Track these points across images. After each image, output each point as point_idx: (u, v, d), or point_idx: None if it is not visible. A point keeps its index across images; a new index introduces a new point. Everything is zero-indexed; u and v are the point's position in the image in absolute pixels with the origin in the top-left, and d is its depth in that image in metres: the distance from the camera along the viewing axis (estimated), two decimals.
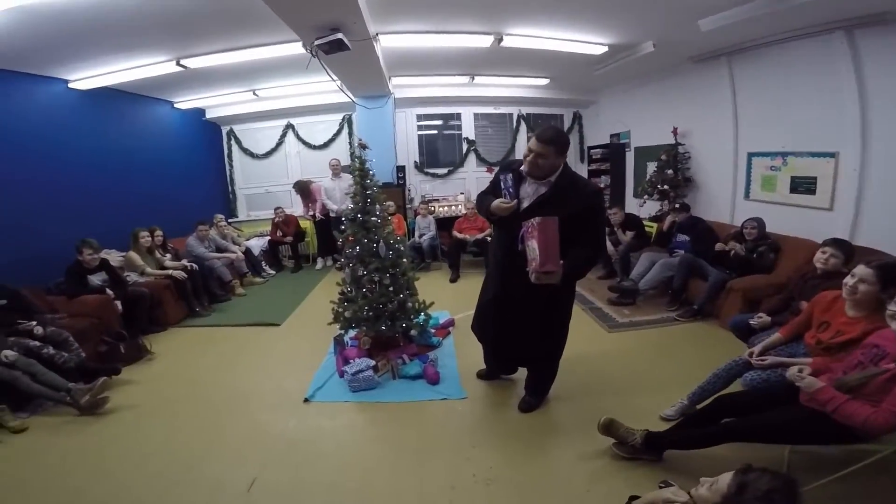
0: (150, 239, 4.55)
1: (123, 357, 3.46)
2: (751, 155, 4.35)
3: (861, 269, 1.92)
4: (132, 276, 4.34)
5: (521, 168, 2.10)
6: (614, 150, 6.45)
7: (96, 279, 3.87)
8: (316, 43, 3.41)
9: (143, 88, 5.17)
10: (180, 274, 4.43)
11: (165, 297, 4.30)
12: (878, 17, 3.07)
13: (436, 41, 4.09)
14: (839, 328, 1.97)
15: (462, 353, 3.28)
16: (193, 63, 4.27)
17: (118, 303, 3.84)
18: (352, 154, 2.92)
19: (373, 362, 2.96)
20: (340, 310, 3.08)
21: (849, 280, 1.95)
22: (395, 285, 3.00)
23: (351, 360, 3.06)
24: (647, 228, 5.22)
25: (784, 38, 3.77)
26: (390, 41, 4.11)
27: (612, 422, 2.14)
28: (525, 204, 2.09)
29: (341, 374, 3.02)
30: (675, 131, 5.07)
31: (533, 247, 1.90)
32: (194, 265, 4.70)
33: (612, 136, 6.63)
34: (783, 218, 3.97)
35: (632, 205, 6.21)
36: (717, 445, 1.85)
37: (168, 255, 4.81)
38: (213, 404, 2.87)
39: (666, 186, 5.14)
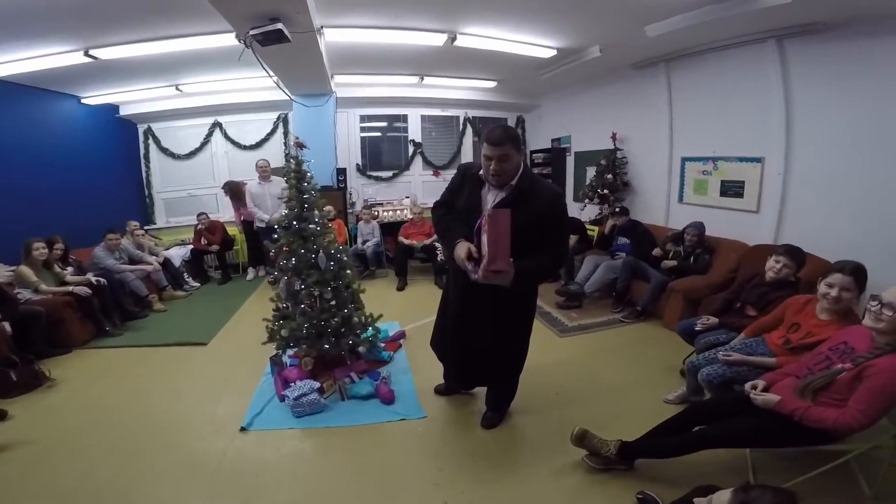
0: (46, 251, 3.89)
1: (15, 386, 2.95)
2: (684, 160, 4.57)
3: (839, 278, 1.95)
4: (24, 294, 3.70)
5: (481, 173, 1.97)
6: (556, 155, 6.57)
7: None
8: (251, 33, 3.08)
9: (42, 81, 4.48)
10: (82, 290, 3.82)
11: (67, 316, 3.71)
12: (808, 27, 3.27)
13: (387, 38, 3.89)
14: (810, 329, 2.04)
15: (416, 368, 3.10)
16: (105, 54, 3.76)
17: (6, 324, 3.24)
18: (286, 154, 2.60)
19: (317, 384, 2.69)
20: (275, 328, 2.76)
21: (829, 291, 1.98)
22: (338, 299, 2.74)
23: (292, 383, 2.77)
24: (588, 232, 5.35)
25: (720, 46, 3.97)
26: (336, 35, 3.85)
27: (585, 433, 2.08)
28: (486, 206, 1.96)
29: (281, 399, 2.72)
30: (613, 136, 5.23)
31: (484, 241, 1.77)
32: (101, 279, 4.10)
33: (553, 140, 6.76)
34: (714, 220, 4.18)
35: (573, 208, 6.31)
36: (690, 453, 1.83)
37: (70, 269, 4.16)
38: (132, 435, 2.49)
39: (605, 191, 5.29)
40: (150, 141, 6.19)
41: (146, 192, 6.27)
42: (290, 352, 3.02)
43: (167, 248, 5.65)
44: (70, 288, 3.81)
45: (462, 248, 1.86)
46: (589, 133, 5.95)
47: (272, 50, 3.44)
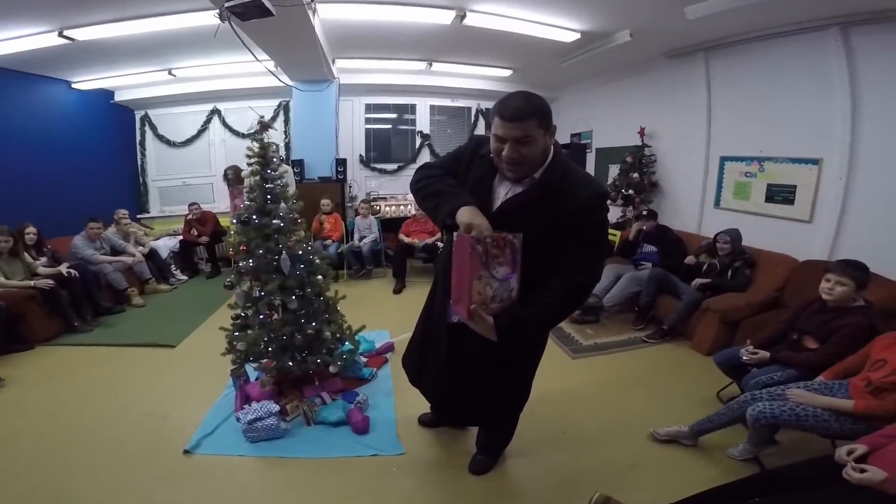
0: (9, 241, 3.57)
1: None
2: (724, 159, 4.01)
3: None
4: None
5: (492, 156, 1.37)
6: (575, 150, 6.05)
7: None
8: (227, 5, 2.69)
9: (26, 65, 4.22)
10: (45, 283, 3.50)
11: (30, 310, 3.42)
12: (877, 15, 2.75)
13: (388, 14, 3.47)
14: None
15: (401, 389, 2.61)
16: (81, 34, 3.47)
17: None
18: (253, 135, 2.16)
19: (276, 407, 2.27)
20: (234, 340, 2.35)
21: None
22: (306, 309, 2.31)
23: (253, 400, 2.37)
24: (609, 237, 4.82)
25: (769, 35, 3.43)
26: (332, 12, 3.46)
27: (608, 500, 1.61)
28: (496, 205, 1.40)
29: (238, 418, 2.32)
30: (641, 132, 4.69)
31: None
32: (73, 271, 3.77)
33: (572, 135, 6.23)
34: (757, 229, 3.64)
35: None
36: None
37: (43, 259, 3.85)
38: (62, 450, 2.17)
39: (631, 191, 4.76)
40: (147, 128, 5.90)
41: (140, 180, 6.00)
42: (254, 364, 2.61)
43: (157, 239, 5.34)
44: (31, 283, 3.48)
45: (473, 215, 1.26)
46: (613, 127, 5.41)
47: (259, 28, 3.09)
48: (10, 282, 3.45)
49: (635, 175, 4.73)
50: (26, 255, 3.69)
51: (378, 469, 2.08)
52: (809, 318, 2.16)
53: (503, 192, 1.39)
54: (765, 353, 2.17)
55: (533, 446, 2.19)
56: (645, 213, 4.24)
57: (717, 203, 4.13)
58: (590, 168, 5.99)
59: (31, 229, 3.84)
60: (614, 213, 5.18)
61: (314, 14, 3.37)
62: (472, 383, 1.67)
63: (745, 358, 2.22)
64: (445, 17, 3.52)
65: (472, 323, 1.27)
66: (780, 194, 3.51)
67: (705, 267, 3.53)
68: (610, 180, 5.18)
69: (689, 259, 3.66)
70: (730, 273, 3.39)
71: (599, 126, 5.80)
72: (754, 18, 3.25)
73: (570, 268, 1.32)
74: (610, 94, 5.43)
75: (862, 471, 1.29)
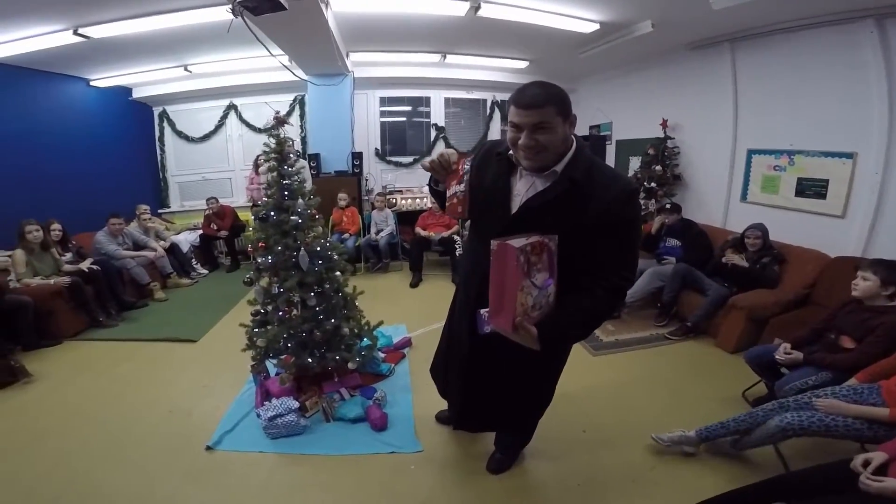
0: (41, 234, 3.67)
1: None
2: (751, 152, 3.86)
3: None
4: (13, 281, 3.50)
5: (510, 154, 1.33)
6: (594, 143, 5.90)
7: None
8: (239, 0, 2.68)
9: (43, 63, 4.28)
10: (63, 280, 3.56)
11: (57, 306, 3.50)
12: None
13: (401, 5, 3.42)
14: None
15: (420, 385, 2.62)
16: (96, 32, 3.50)
17: None
18: (269, 131, 2.15)
19: (296, 404, 2.28)
20: (253, 335, 2.36)
21: None
22: (325, 306, 2.30)
23: (273, 397, 2.39)
24: None
25: (798, 26, 3.28)
26: (344, 4, 3.42)
27: None
28: (516, 204, 1.34)
29: (259, 414, 2.34)
30: (664, 123, 4.55)
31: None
32: (94, 266, 3.85)
33: (591, 127, 6.11)
34: (785, 224, 3.51)
35: None
36: None
37: (68, 255, 3.94)
38: (87, 446, 2.22)
39: (653, 184, 4.63)
40: (165, 124, 5.97)
41: (161, 176, 6.09)
42: (274, 360, 2.63)
43: (178, 233, 5.43)
44: (51, 281, 3.55)
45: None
46: (633, 119, 5.27)
47: (273, 22, 3.07)
48: (34, 281, 3.52)
49: (658, 167, 4.60)
50: (45, 252, 3.74)
51: (396, 466, 2.07)
52: (846, 317, 2.09)
53: (524, 189, 1.33)
54: (798, 354, 2.09)
55: (552, 445, 2.16)
56: (668, 206, 4.12)
57: (743, 197, 3.99)
58: (610, 160, 5.85)
59: (55, 225, 3.92)
60: None
61: (327, 7, 3.33)
62: (495, 392, 1.64)
63: (779, 358, 2.14)
64: (459, 9, 3.43)
65: (515, 335, 1.21)
66: (812, 188, 3.37)
67: (730, 265, 3.41)
68: (631, 172, 5.06)
69: (726, 258, 3.46)
70: (758, 267, 3.28)
71: (619, 118, 5.66)
72: (783, 9, 3.11)
73: (607, 270, 1.27)
74: (630, 86, 5.28)
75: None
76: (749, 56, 3.83)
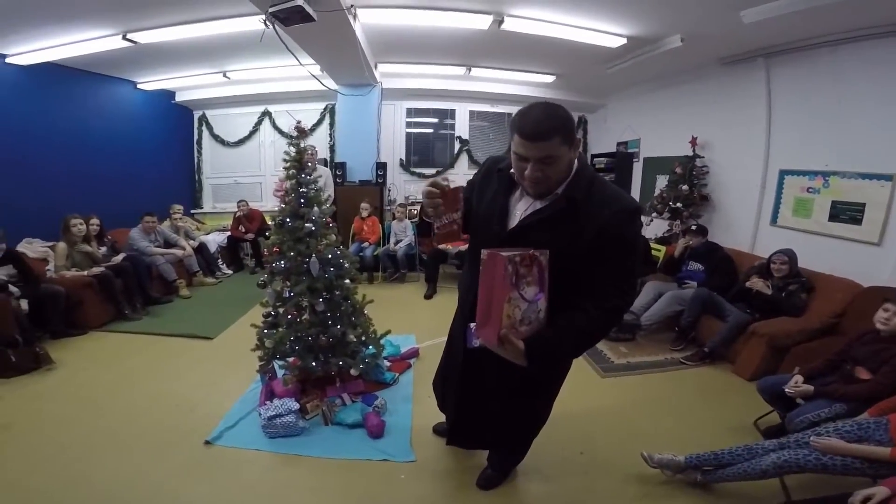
0: (84, 227, 3.91)
1: (13, 366, 2.90)
2: (783, 173, 3.70)
3: None
4: (52, 271, 3.75)
5: (512, 171, 1.31)
6: (621, 159, 5.81)
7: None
8: (270, 10, 2.81)
9: (96, 66, 4.61)
10: (95, 270, 3.80)
11: (87, 297, 3.69)
12: None
13: (426, 19, 3.50)
14: None
15: (421, 397, 2.61)
16: (142, 38, 3.74)
17: (22, 302, 3.26)
18: (290, 142, 2.25)
19: (296, 405, 2.31)
20: (263, 336, 2.43)
21: None
22: (333, 312, 2.34)
23: (277, 397, 2.44)
24: (653, 252, 4.57)
25: (838, 40, 3.15)
26: (372, 16, 3.52)
27: None
28: (514, 222, 1.33)
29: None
30: (693, 141, 4.43)
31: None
32: (125, 262, 4.06)
33: (619, 144, 6.00)
34: (817, 250, 3.34)
35: None
36: None
37: (103, 249, 4.17)
38: (96, 434, 2.31)
39: (679, 204, 4.49)
40: (204, 127, 6.28)
41: (196, 178, 6.39)
42: (280, 362, 2.68)
43: (208, 233, 5.66)
44: (85, 273, 3.76)
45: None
46: (662, 137, 5.16)
47: (303, 33, 3.22)
48: (71, 273, 3.74)
49: (684, 187, 4.46)
50: (86, 245, 3.97)
51: (386, 475, 2.07)
52: (862, 348, 1.97)
53: (523, 207, 1.32)
54: (808, 387, 1.97)
55: (547, 465, 2.10)
56: (693, 227, 3.96)
57: (773, 220, 3.82)
58: (636, 179, 5.75)
59: (94, 220, 4.16)
60: (660, 227, 4.94)
61: (355, 19, 3.45)
62: (486, 409, 1.61)
63: (788, 390, 2.02)
64: (482, 22, 3.48)
65: (501, 349, 1.19)
66: (846, 213, 3.20)
67: (754, 291, 3.24)
68: (657, 192, 4.92)
69: (751, 283, 3.28)
70: (783, 295, 3.12)
71: (648, 135, 5.55)
72: (819, 22, 3.00)
73: (603, 290, 1.24)
74: (660, 102, 5.18)
75: None
76: (785, 71, 3.70)
